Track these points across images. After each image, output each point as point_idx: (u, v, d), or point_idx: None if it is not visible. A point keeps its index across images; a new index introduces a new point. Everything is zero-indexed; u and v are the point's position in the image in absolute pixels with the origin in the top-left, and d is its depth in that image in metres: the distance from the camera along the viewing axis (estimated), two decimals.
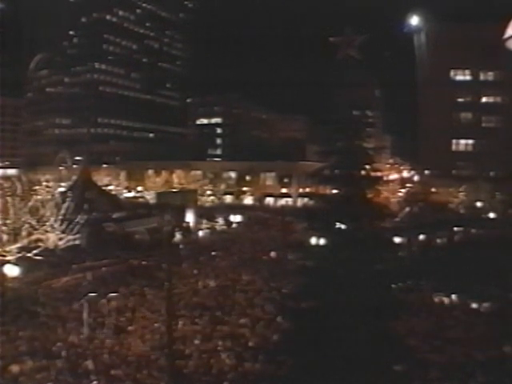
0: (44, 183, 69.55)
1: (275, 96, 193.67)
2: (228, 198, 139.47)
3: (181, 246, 70.74)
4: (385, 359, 20.83)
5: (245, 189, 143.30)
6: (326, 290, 20.58)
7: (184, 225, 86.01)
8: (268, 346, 22.17)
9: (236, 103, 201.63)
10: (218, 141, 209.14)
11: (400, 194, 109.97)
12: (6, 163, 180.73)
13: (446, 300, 43.14)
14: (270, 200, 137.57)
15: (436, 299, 43.15)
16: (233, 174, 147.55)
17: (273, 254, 61.92)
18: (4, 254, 50.86)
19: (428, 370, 27.96)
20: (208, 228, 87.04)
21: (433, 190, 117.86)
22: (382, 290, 20.79)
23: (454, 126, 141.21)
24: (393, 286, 21.52)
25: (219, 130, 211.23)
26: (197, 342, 35.24)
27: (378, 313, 20.70)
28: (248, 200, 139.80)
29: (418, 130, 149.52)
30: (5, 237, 51.95)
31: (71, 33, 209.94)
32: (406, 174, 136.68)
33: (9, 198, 55.95)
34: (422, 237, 68.12)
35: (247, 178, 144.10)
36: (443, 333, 34.98)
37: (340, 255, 20.56)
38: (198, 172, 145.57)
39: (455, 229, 75.51)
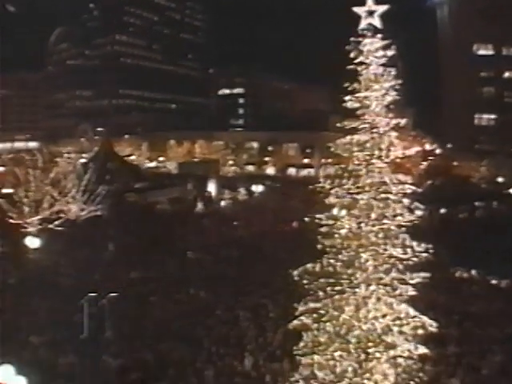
0: (65, 155, 69.71)
1: (297, 66, 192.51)
2: (250, 168, 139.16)
3: (202, 216, 70.73)
4: None
5: (267, 159, 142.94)
6: None
7: (206, 195, 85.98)
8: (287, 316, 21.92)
9: (258, 74, 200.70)
10: (240, 111, 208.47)
11: (422, 167, 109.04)
12: (27, 136, 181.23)
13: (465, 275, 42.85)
14: (292, 170, 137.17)
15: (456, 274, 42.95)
16: (255, 144, 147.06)
17: (295, 224, 61.70)
18: (25, 225, 51.02)
19: None
20: (230, 198, 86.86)
21: (455, 163, 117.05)
22: None
23: (476, 101, 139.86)
24: None
25: (241, 101, 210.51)
26: (218, 312, 35.18)
27: None
28: (270, 170, 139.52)
29: (441, 103, 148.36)
30: (26, 209, 52.06)
31: (91, 5, 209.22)
32: (428, 147, 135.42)
33: (30, 170, 55.99)
34: (443, 210, 67.68)
35: (269, 148, 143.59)
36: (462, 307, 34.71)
37: None
38: (220, 142, 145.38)
39: (476, 203, 74.87)
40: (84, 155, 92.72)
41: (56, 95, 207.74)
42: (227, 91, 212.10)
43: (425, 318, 19.38)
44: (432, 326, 19.29)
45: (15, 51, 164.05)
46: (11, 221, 51.50)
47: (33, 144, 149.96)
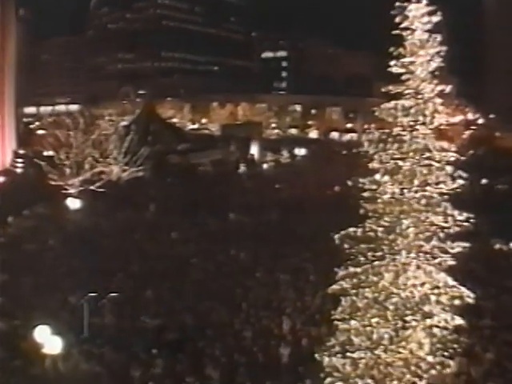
0: (107, 117, 70.04)
1: (341, 30, 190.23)
2: (293, 131, 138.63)
3: (244, 178, 70.79)
4: None
5: (310, 122, 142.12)
6: None
7: (248, 157, 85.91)
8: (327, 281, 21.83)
9: (301, 37, 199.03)
10: (284, 74, 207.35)
11: (464, 137, 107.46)
12: (68, 99, 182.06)
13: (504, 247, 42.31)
14: (334, 135, 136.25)
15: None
16: (298, 108, 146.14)
17: (337, 188, 61.35)
18: (67, 187, 51.44)
19: None
20: (272, 161, 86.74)
21: (497, 134, 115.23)
22: None
23: None
24: None
25: (284, 64, 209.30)
26: (258, 274, 35.23)
27: None
28: (313, 134, 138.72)
29: (485, 72, 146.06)
30: (67, 170, 52.49)
31: None
32: (470, 116, 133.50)
33: (71, 133, 56.36)
34: (484, 181, 66.88)
35: (312, 111, 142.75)
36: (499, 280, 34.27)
37: None
38: (263, 105, 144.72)
39: None
40: (126, 117, 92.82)
41: (97, 59, 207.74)
42: (270, 54, 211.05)
43: (462, 289, 19.27)
44: (469, 297, 19.18)
45: (56, 16, 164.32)
46: (52, 183, 52.00)
47: (74, 107, 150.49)
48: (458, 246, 19.29)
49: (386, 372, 18.69)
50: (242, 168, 77.92)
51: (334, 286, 20.23)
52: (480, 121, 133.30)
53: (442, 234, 19.10)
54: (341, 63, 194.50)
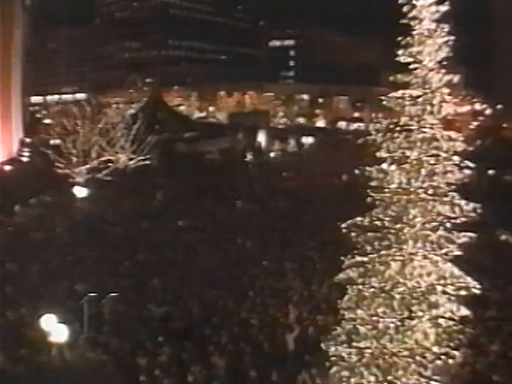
0: (114, 105, 70.07)
1: (349, 19, 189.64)
2: (300, 120, 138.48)
3: (251, 167, 70.79)
4: None
5: (317, 111, 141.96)
6: None
7: (255, 146, 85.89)
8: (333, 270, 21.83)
9: (309, 26, 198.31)
10: (291, 63, 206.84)
11: (471, 127, 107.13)
12: (75, 88, 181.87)
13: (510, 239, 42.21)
14: (342, 124, 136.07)
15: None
16: (305, 97, 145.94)
17: (344, 176, 61.31)
18: (73, 175, 51.52)
19: None
20: (279, 149, 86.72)
21: (504, 125, 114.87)
22: None
23: None
24: None
25: (292, 53, 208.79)
26: (265, 262, 35.22)
27: None
28: (320, 123, 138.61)
29: (492, 63, 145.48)
30: (74, 159, 52.55)
31: None
32: (477, 106, 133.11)
33: (78, 121, 56.39)
34: (490, 172, 66.76)
35: (320, 100, 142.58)
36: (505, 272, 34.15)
37: None
38: (271, 94, 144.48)
39: None
40: (133, 106, 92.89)
41: (104, 47, 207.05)
42: (278, 43, 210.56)
43: (469, 279, 19.15)
44: (475, 288, 19.09)
45: (63, 5, 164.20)
46: (59, 171, 52.12)
47: (81, 95, 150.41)
48: (465, 237, 19.22)
49: (392, 362, 18.65)
50: (249, 156, 77.90)
51: (341, 275, 20.17)
52: (487, 111, 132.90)
53: (448, 224, 19.03)
54: (348, 52, 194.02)
